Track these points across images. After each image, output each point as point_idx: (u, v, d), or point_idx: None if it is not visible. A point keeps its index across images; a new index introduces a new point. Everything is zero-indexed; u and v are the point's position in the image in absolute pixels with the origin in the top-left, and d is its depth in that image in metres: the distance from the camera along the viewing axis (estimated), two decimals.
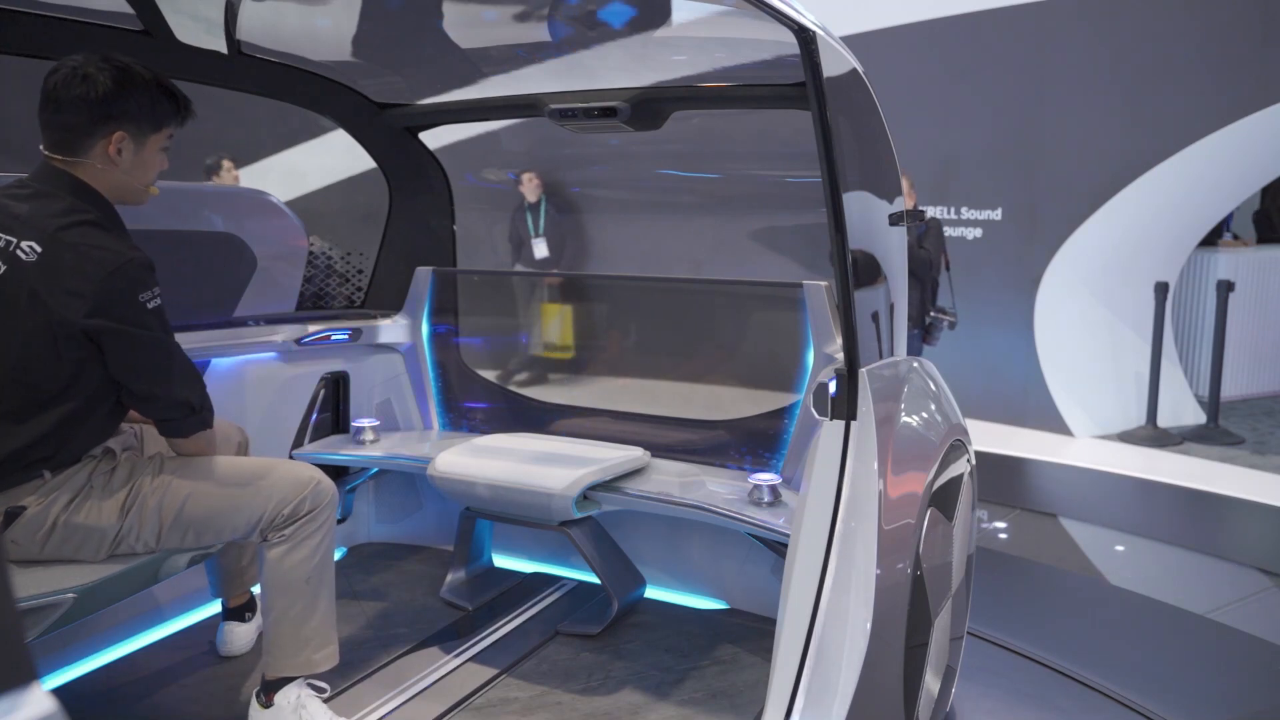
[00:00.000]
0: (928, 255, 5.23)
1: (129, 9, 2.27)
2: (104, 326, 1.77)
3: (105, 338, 1.79)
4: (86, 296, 1.75)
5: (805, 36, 1.84)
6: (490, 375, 3.18)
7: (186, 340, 2.59)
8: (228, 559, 2.45)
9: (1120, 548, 4.48)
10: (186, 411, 1.95)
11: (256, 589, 2.22)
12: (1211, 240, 7.21)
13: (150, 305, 1.83)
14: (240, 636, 2.48)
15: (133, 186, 1.92)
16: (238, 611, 2.49)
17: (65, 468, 1.87)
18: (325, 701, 2.13)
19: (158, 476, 1.94)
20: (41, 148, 1.86)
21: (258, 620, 2.49)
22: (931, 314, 5.25)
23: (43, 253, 1.76)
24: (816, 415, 1.95)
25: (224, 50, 2.52)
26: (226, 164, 7.15)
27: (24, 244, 1.77)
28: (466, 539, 2.89)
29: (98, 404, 1.88)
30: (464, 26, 2.81)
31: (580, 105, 2.69)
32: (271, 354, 2.88)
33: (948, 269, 5.44)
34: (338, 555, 3.17)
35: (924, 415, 2.24)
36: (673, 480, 2.59)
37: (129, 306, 1.79)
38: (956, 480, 2.30)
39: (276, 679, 2.06)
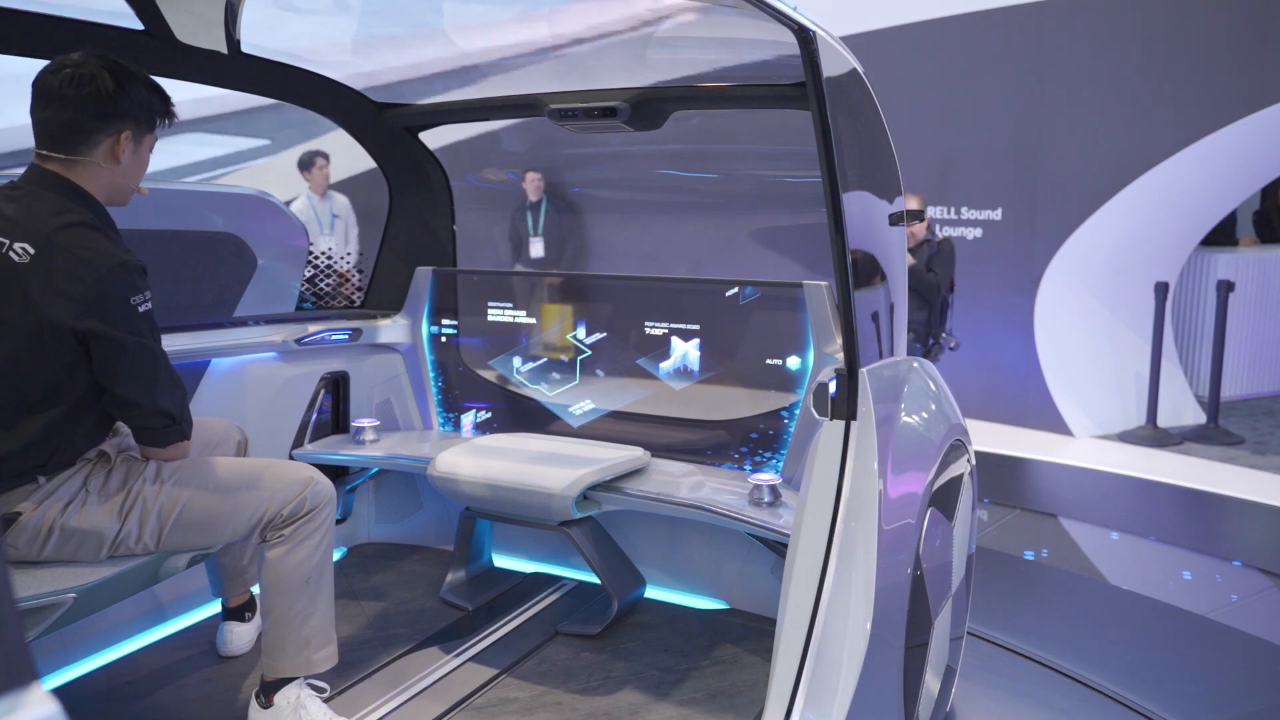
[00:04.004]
0: (935, 280, 5.11)
1: (129, 9, 2.27)
2: (94, 329, 1.76)
3: (94, 341, 1.78)
4: (78, 299, 1.74)
5: (805, 36, 1.84)
6: (490, 375, 3.18)
7: (186, 340, 2.61)
8: (228, 559, 2.45)
9: (1120, 548, 4.48)
10: (166, 422, 1.92)
11: (257, 589, 2.23)
12: (1214, 240, 7.20)
13: (141, 309, 1.82)
14: (240, 636, 2.48)
15: (126, 187, 1.92)
16: (237, 611, 2.49)
17: (59, 472, 1.86)
18: (325, 702, 2.13)
19: (155, 480, 1.94)
20: (35, 147, 1.84)
21: (258, 620, 2.48)
22: (935, 336, 5.15)
23: (36, 254, 1.75)
24: (816, 415, 1.95)
25: (224, 50, 2.52)
26: (320, 160, 7.33)
27: (17, 245, 1.76)
28: (466, 539, 2.89)
29: (87, 408, 1.87)
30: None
31: (580, 105, 2.69)
32: (271, 354, 2.88)
33: (952, 290, 5.34)
34: (337, 555, 3.17)
35: (924, 415, 2.24)
36: (673, 480, 2.59)
37: (120, 309, 1.78)
38: (956, 480, 2.30)
39: (276, 679, 2.06)
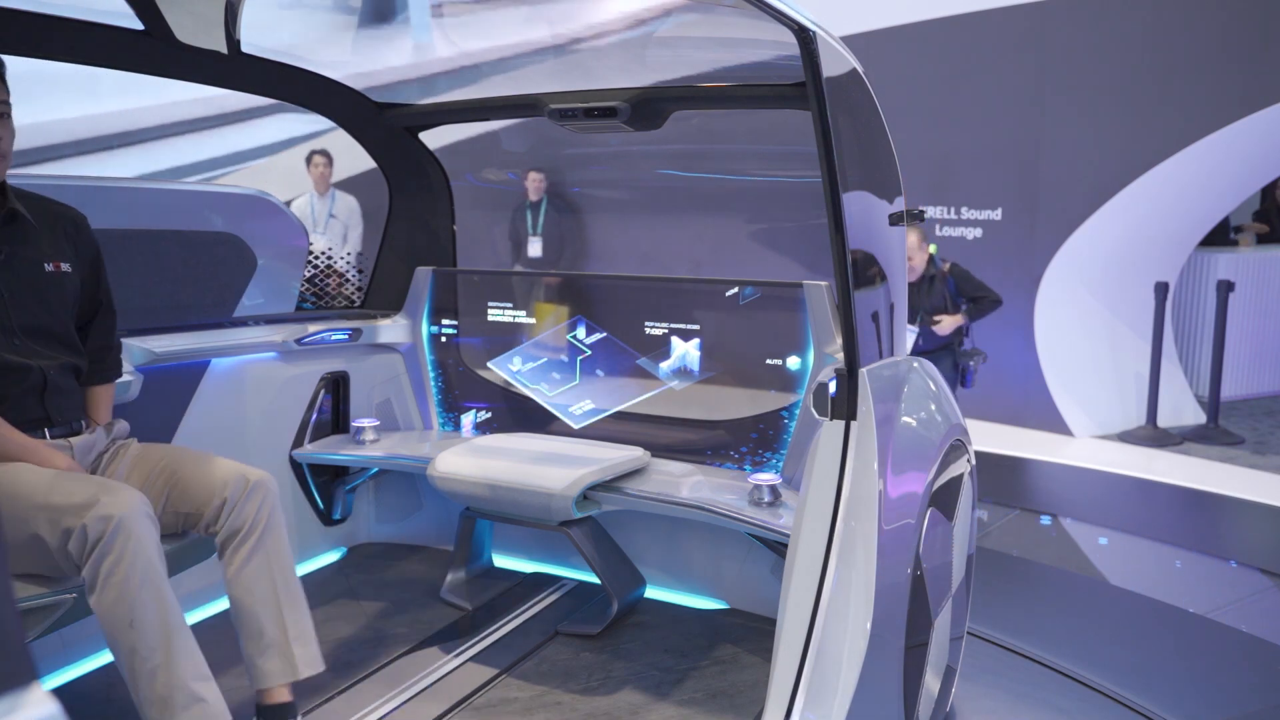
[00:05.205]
0: (990, 299, 4.99)
1: (129, 9, 2.27)
2: None
3: None
4: None
5: (805, 36, 1.85)
6: (490, 375, 3.18)
7: (186, 340, 2.61)
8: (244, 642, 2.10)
9: (1120, 548, 4.48)
10: None
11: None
12: (1214, 240, 7.19)
13: None
14: None
15: None
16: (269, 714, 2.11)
17: None
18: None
19: None
20: None
21: None
22: (962, 361, 4.99)
23: None
24: (816, 415, 1.95)
25: (224, 50, 2.52)
26: (317, 159, 7.38)
27: None
28: (466, 539, 2.89)
29: None
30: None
31: (580, 105, 2.69)
32: (271, 354, 2.88)
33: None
34: (338, 555, 3.17)
35: (924, 415, 2.24)
36: (673, 480, 2.59)
37: None
38: (956, 480, 2.30)
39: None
